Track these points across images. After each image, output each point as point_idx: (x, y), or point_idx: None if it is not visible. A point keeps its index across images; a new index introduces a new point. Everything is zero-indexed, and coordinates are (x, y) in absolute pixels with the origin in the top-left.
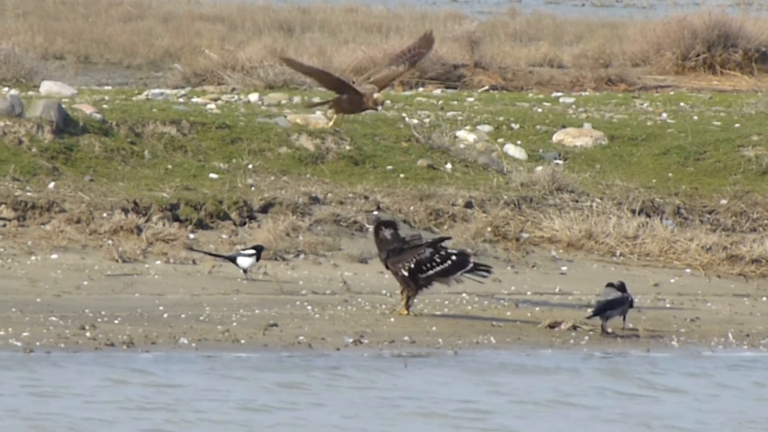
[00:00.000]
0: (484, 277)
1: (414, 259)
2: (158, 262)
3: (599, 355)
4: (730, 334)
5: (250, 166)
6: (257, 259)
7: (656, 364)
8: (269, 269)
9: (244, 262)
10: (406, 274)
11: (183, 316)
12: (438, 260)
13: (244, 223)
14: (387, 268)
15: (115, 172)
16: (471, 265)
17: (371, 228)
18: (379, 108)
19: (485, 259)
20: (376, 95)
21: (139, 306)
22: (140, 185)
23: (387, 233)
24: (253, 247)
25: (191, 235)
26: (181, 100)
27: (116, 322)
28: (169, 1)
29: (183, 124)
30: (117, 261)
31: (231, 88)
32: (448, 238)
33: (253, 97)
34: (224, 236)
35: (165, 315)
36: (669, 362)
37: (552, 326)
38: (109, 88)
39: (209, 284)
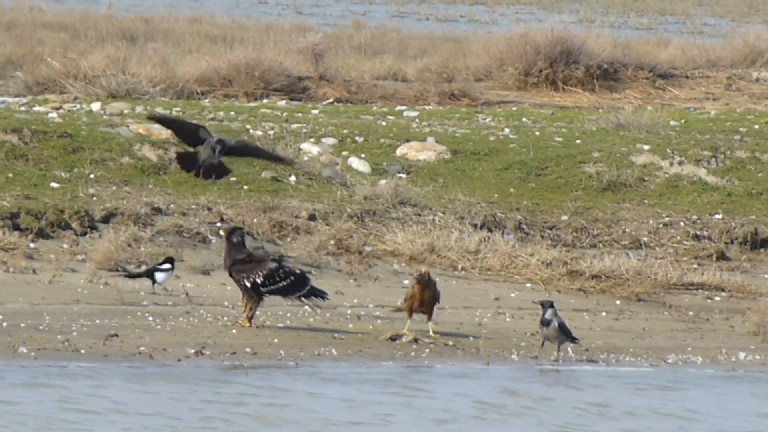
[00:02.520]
0: (318, 304)
1: (261, 273)
2: None
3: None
4: (570, 349)
5: (92, 175)
6: (171, 271)
7: (496, 376)
8: (110, 280)
9: (160, 276)
10: (249, 285)
11: (22, 325)
12: (281, 276)
13: (86, 233)
14: (231, 276)
15: None
16: (308, 288)
17: (214, 239)
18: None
19: (328, 271)
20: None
21: None
22: None
23: (238, 239)
24: (166, 260)
25: (32, 245)
26: (22, 108)
27: None
28: (11, 9)
29: (24, 132)
30: None
31: (73, 96)
32: (290, 257)
33: (96, 106)
34: (65, 246)
35: (4, 324)
36: (508, 374)
37: (393, 339)
38: None
39: (49, 294)
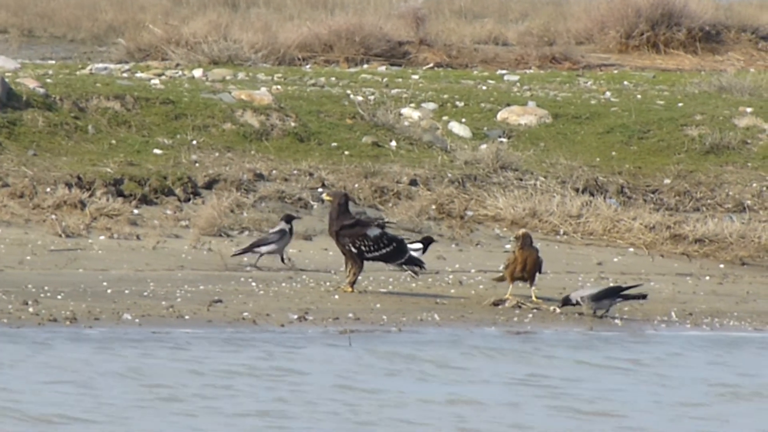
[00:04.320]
0: (415, 272)
1: (367, 238)
2: (102, 238)
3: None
4: (673, 313)
5: (195, 142)
6: (424, 252)
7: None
8: (213, 245)
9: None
10: (354, 251)
11: (127, 291)
12: (384, 243)
13: (189, 199)
14: (337, 241)
15: (59, 146)
16: (407, 256)
17: (316, 205)
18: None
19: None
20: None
21: (82, 281)
22: (84, 160)
23: (345, 204)
24: (421, 240)
25: (135, 211)
26: (124, 75)
27: (59, 297)
28: None
29: (127, 99)
30: (60, 236)
31: (175, 63)
32: (391, 222)
33: (198, 72)
34: (169, 212)
35: (109, 291)
36: (613, 340)
37: (497, 304)
38: (53, 62)
39: (153, 260)
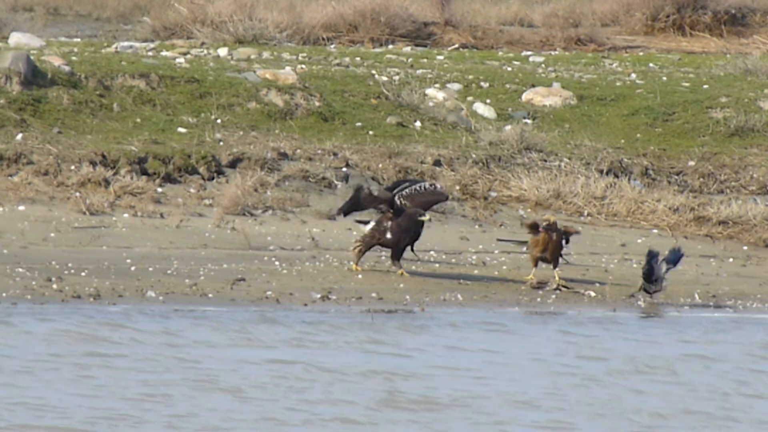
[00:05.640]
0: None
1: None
2: (126, 215)
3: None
4: (696, 295)
5: (219, 120)
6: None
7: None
8: (237, 224)
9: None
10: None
11: (150, 269)
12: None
13: (212, 178)
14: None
15: (84, 124)
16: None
17: (340, 185)
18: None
19: (453, 217)
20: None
21: (106, 259)
22: (108, 138)
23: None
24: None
25: (159, 189)
26: (150, 53)
27: (83, 274)
28: None
29: (152, 77)
30: (84, 213)
31: (200, 42)
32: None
33: (223, 51)
34: (192, 190)
35: (132, 268)
36: (632, 321)
37: (538, 287)
38: (78, 40)
39: (177, 238)
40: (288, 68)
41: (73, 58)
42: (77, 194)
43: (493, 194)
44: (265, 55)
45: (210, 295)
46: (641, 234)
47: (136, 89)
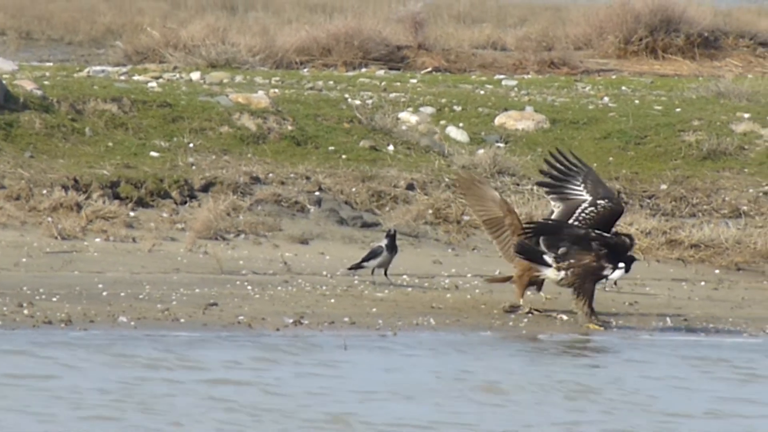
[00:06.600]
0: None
1: None
2: (98, 240)
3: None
4: (668, 319)
5: (191, 144)
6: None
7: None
8: (209, 249)
9: (617, 273)
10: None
11: (122, 294)
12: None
13: (185, 202)
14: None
15: (56, 148)
16: None
17: (313, 209)
18: None
19: (426, 241)
20: None
21: (78, 284)
22: (81, 162)
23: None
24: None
25: (132, 213)
26: (122, 77)
27: (54, 299)
28: None
29: (124, 101)
30: (56, 238)
31: (173, 66)
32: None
33: (195, 75)
34: (165, 215)
35: (104, 293)
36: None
37: (510, 311)
38: (51, 64)
39: (149, 263)
40: (261, 92)
41: (46, 82)
42: (49, 219)
43: (466, 218)
44: (238, 79)
45: (182, 320)
46: None
47: (108, 113)
